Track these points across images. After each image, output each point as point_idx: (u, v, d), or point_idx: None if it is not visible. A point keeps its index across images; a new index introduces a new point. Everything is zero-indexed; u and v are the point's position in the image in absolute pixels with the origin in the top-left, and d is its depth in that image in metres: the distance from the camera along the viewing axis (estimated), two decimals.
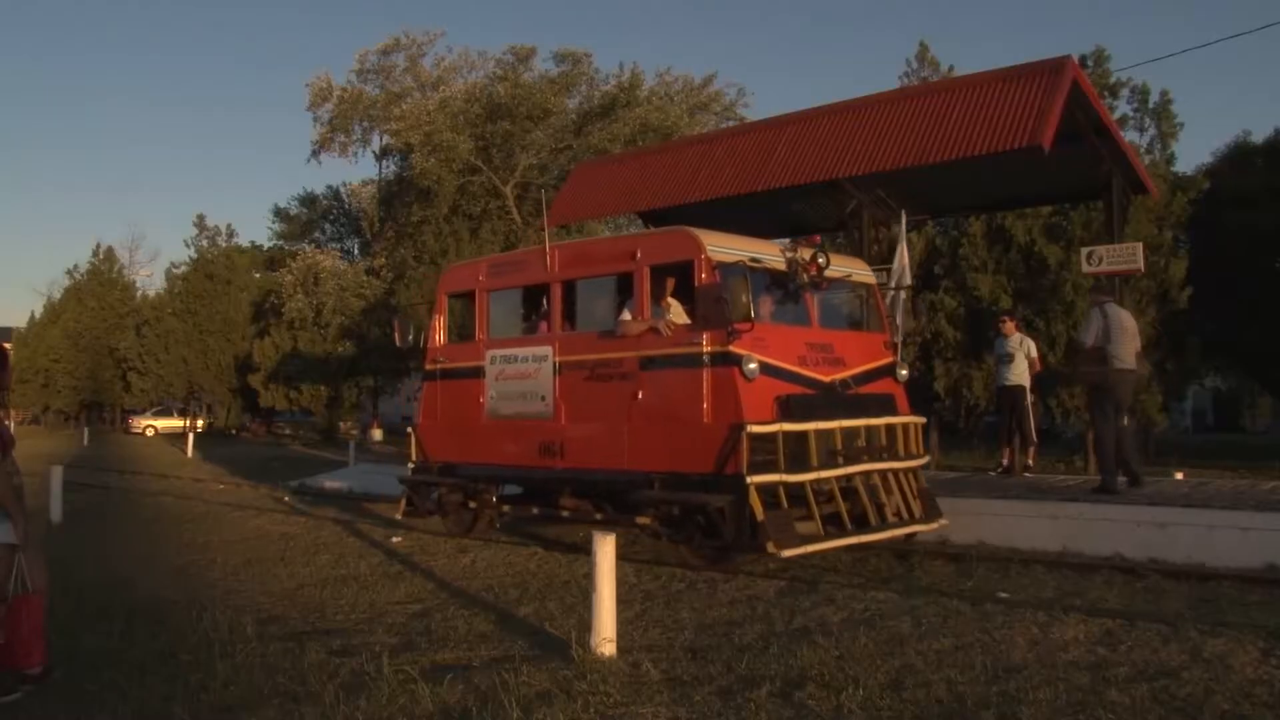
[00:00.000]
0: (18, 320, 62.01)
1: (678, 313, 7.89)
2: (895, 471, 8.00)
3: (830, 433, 7.52)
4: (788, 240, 9.62)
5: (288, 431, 45.17)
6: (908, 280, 11.17)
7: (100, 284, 49.99)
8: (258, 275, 44.51)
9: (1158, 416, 19.40)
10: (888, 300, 9.85)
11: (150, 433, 43.73)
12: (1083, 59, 21.46)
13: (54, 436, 42.50)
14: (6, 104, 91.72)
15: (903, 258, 11.20)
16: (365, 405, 39.18)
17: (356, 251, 46.28)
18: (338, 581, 7.36)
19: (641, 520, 7.76)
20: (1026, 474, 11.53)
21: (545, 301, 8.93)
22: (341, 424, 39.01)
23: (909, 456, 8.24)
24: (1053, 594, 6.36)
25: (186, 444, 29.22)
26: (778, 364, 7.47)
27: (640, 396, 7.67)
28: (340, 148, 39.95)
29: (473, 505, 9.41)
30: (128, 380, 43.73)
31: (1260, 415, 42.76)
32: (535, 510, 9.08)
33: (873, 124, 13.21)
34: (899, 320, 9.63)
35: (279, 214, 48.67)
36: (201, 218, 47.33)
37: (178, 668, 4.79)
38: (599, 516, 8.26)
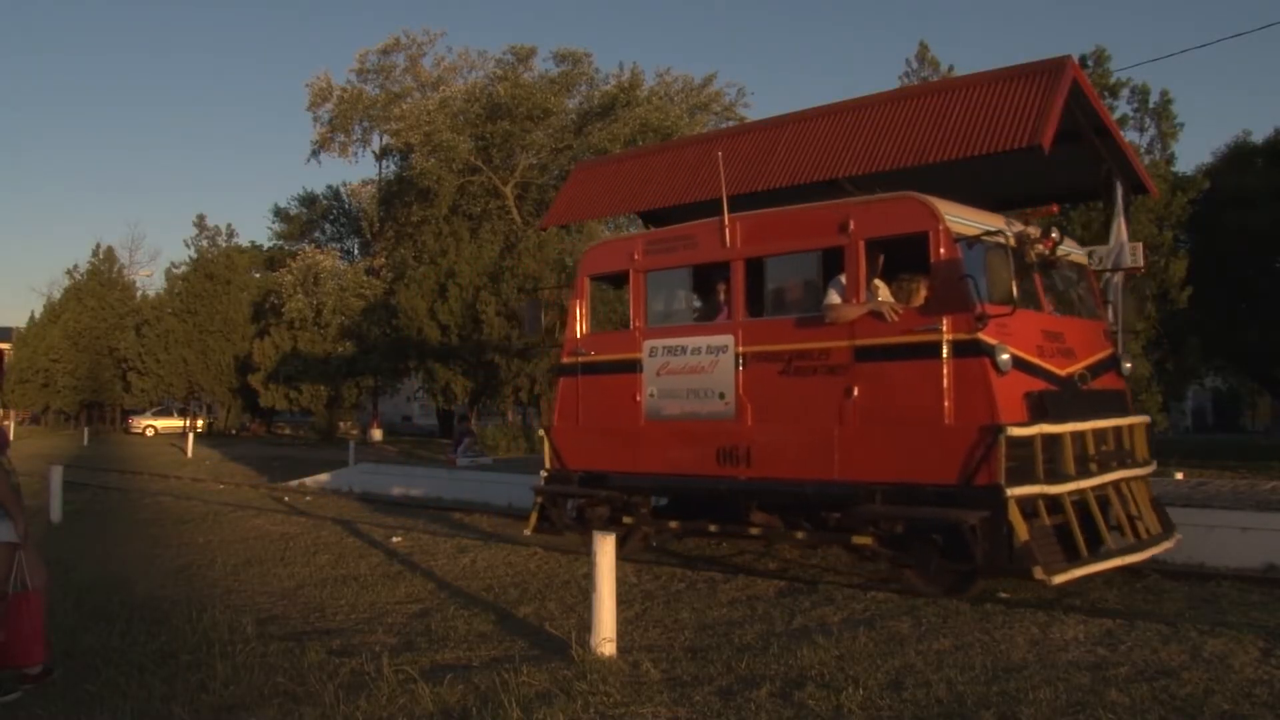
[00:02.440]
0: (18, 320, 62.05)
1: (884, 295, 6.86)
2: (1132, 480, 7.06)
3: (1082, 435, 6.56)
4: (1014, 212, 8.47)
5: (287, 431, 45.18)
6: (1128, 261, 9.99)
7: (100, 284, 49.94)
8: (258, 275, 44.52)
9: (1158, 416, 19.38)
10: (1101, 284, 8.83)
11: (150, 433, 43.72)
12: (1083, 59, 21.46)
13: (54, 436, 42.50)
14: (6, 104, 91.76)
15: (1121, 234, 10.01)
16: (365, 405, 39.19)
17: (356, 251, 46.33)
18: (338, 581, 7.35)
19: (859, 540, 6.60)
20: None
21: (723, 283, 7.73)
22: (341, 424, 39.01)
23: (1143, 463, 7.26)
24: (1053, 594, 6.36)
25: (186, 444, 29.21)
26: (1022, 355, 6.38)
27: (856, 394, 6.54)
28: (340, 148, 40.01)
29: (626, 521, 8.08)
30: (128, 380, 43.72)
31: (1260, 415, 42.79)
32: (713, 528, 7.74)
33: (873, 124, 13.19)
34: (1119, 307, 8.61)
35: (279, 214, 48.74)
36: (201, 218, 47.36)
37: (178, 667, 4.79)
38: (799, 535, 7.18)
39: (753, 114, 36.79)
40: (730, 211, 8.03)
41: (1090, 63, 22.09)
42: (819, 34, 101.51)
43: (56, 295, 52.70)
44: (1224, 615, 5.35)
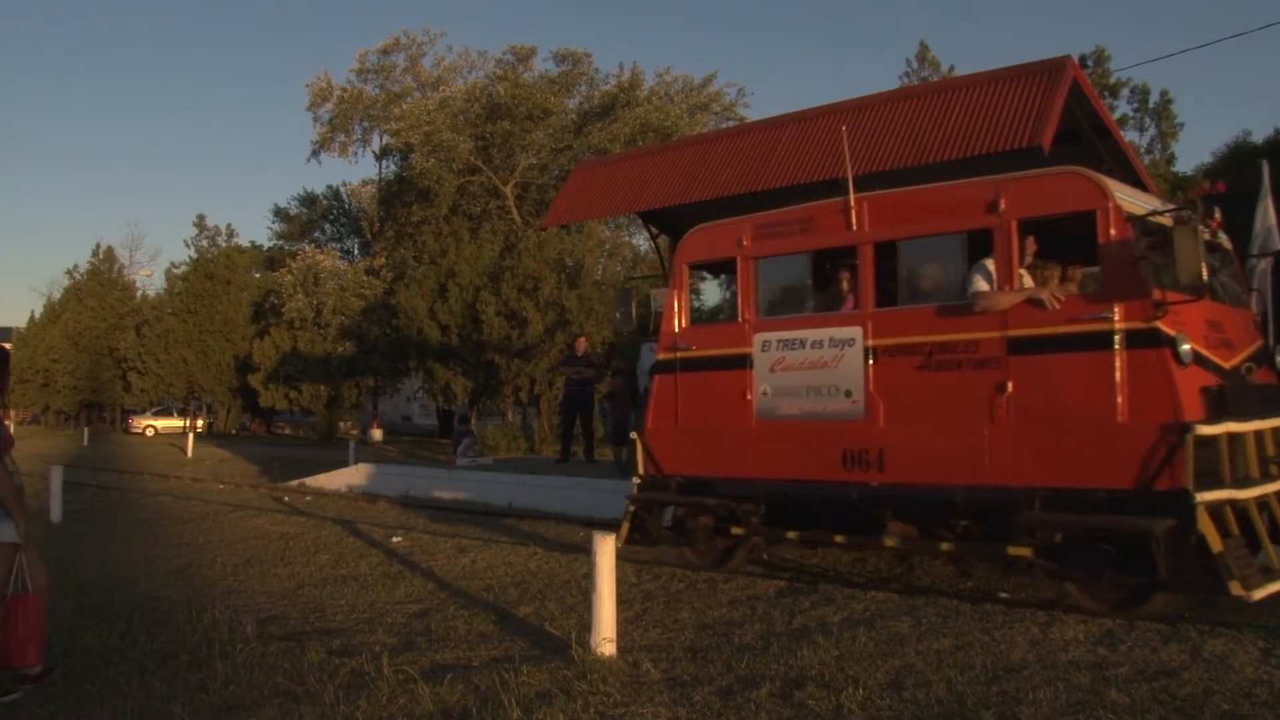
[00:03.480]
0: (18, 320, 62.06)
1: (1027, 282, 6.36)
2: None
3: (1263, 434, 6.04)
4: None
5: (287, 431, 45.18)
6: (1277, 244, 9.23)
7: (100, 284, 49.96)
8: (258, 275, 44.55)
9: None
10: (1247, 269, 8.27)
11: (150, 433, 43.74)
12: (1083, 59, 21.51)
13: (54, 436, 42.51)
14: (6, 104, 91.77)
15: (1269, 216, 9.38)
16: (365, 405, 39.20)
17: (356, 251, 46.35)
18: (338, 581, 7.36)
19: (1016, 551, 5.96)
20: None
21: (847, 269, 7.09)
22: (341, 424, 39.02)
23: None
24: (1053, 594, 6.36)
25: (186, 444, 29.22)
26: (1197, 346, 5.84)
27: (1010, 389, 6.01)
28: (340, 148, 40.05)
29: (736, 532, 7.30)
30: (128, 380, 43.74)
31: None
32: (839, 539, 6.91)
33: (873, 124, 13.22)
34: (1266, 294, 8.03)
35: (279, 214, 48.77)
36: (201, 218, 47.55)
37: (178, 667, 4.79)
38: (944, 547, 6.50)
39: (753, 114, 36.81)
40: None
41: (1090, 63, 22.11)
42: (819, 34, 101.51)
43: (56, 295, 52.81)
44: (1224, 615, 5.34)
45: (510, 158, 36.57)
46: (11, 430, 4.88)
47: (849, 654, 4.84)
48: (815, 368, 6.89)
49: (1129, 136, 22.22)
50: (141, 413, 46.08)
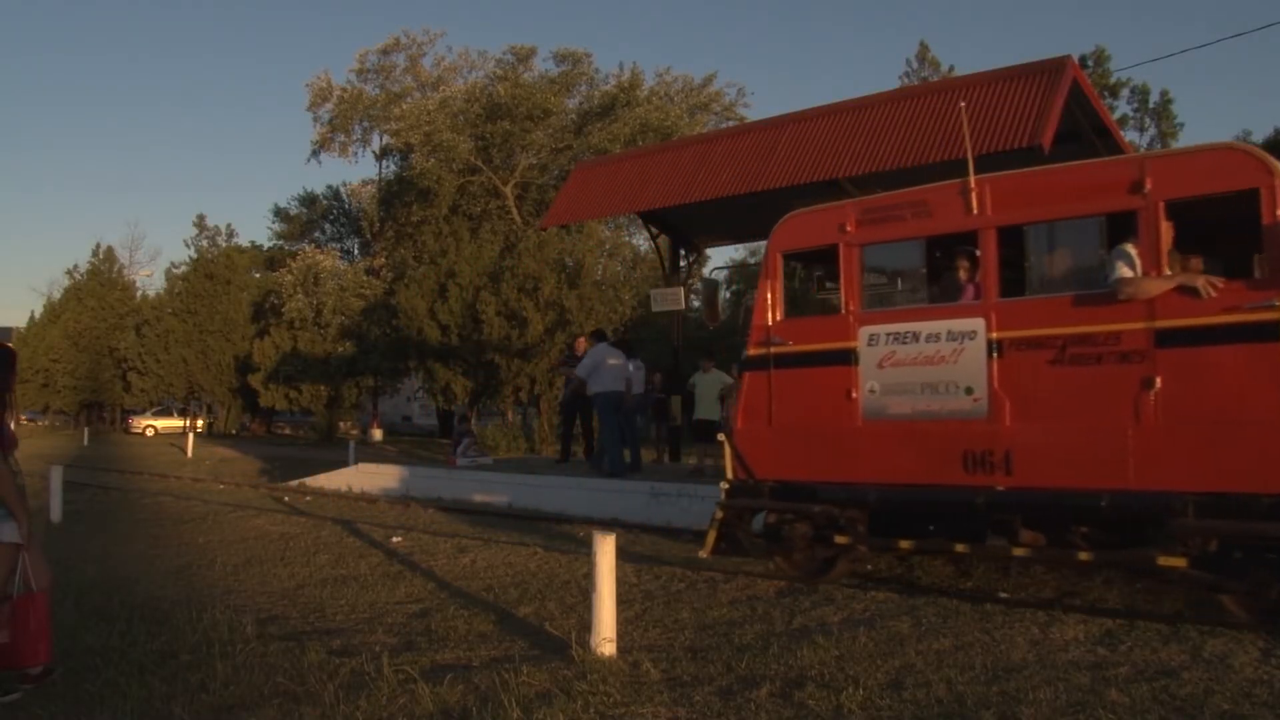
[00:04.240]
0: (18, 320, 62.07)
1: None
2: None
3: None
4: None
5: (287, 431, 45.19)
6: None
7: (100, 284, 50.00)
8: (258, 275, 44.57)
9: None
10: None
11: (150, 433, 43.76)
12: (1083, 59, 21.51)
13: (54, 436, 42.51)
14: (6, 104, 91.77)
15: None
16: (365, 405, 39.21)
17: (356, 251, 46.37)
18: (338, 581, 7.36)
19: (1168, 561, 5.49)
20: None
21: (966, 257, 6.70)
22: (341, 424, 39.02)
23: None
24: (1053, 594, 6.36)
25: (186, 444, 29.22)
26: None
27: (1159, 385, 5.57)
28: (340, 148, 40.09)
29: (840, 540, 6.71)
30: (128, 380, 43.77)
31: None
32: (960, 548, 6.38)
33: (872, 124, 13.24)
34: None
35: (279, 214, 48.80)
36: (201, 218, 47.57)
37: (178, 667, 4.79)
38: (1082, 557, 5.98)
39: (753, 114, 36.86)
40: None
41: (1090, 63, 22.11)
42: (819, 34, 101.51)
43: (56, 295, 52.86)
44: (1224, 615, 5.34)
45: (510, 158, 36.59)
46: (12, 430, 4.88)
47: (849, 654, 4.84)
48: (931, 363, 6.40)
49: (1129, 136, 22.21)
50: (141, 413, 46.12)
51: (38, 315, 52.04)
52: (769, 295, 7.17)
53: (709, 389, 13.86)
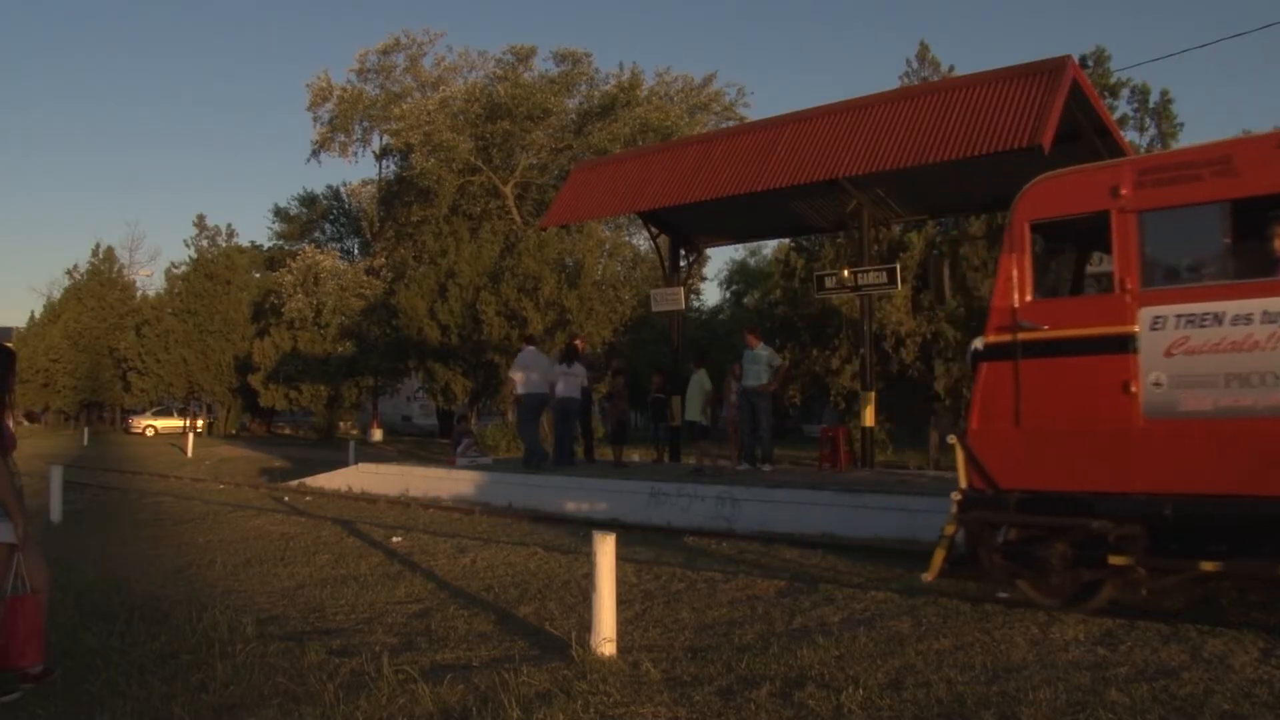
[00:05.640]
0: (18, 320, 62.07)
1: None
2: None
3: None
4: None
5: (288, 431, 45.18)
6: None
7: (100, 284, 49.95)
8: (258, 275, 44.56)
9: None
10: None
11: (150, 433, 43.75)
12: (1083, 59, 21.51)
13: (54, 436, 42.51)
14: (6, 104, 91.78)
15: None
16: (365, 405, 39.21)
17: (356, 251, 46.37)
18: (338, 581, 7.35)
19: None
20: None
21: None
22: (341, 424, 39.01)
23: None
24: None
25: (186, 444, 29.22)
26: None
27: None
28: (340, 148, 40.06)
29: (1115, 561, 5.59)
30: (128, 380, 43.75)
31: None
32: None
33: (873, 124, 13.24)
34: None
35: (279, 214, 48.80)
36: (201, 218, 47.47)
37: (178, 667, 4.79)
38: None
39: (753, 114, 36.87)
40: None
41: (1090, 63, 22.11)
42: (819, 34, 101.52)
43: (56, 295, 52.76)
44: (1224, 615, 5.34)
45: (510, 158, 36.59)
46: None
47: (849, 654, 4.84)
48: (1239, 350, 5.41)
49: (1129, 136, 22.22)
50: (141, 413, 46.09)
51: (37, 315, 52.00)
52: (1014, 273, 6.12)
53: (692, 391, 13.89)
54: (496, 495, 13.20)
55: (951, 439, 6.39)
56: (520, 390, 14.02)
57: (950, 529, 6.16)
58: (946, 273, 7.25)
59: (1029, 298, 6.08)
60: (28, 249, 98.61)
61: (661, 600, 6.37)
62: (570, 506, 11.84)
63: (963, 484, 6.22)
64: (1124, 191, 5.81)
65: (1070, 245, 6.61)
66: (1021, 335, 6.02)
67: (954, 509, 6.18)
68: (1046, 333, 5.96)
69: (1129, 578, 5.67)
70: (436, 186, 35.50)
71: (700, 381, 13.89)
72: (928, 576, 6.13)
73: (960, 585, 6.76)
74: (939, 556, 6.10)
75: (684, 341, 18.57)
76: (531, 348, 14.62)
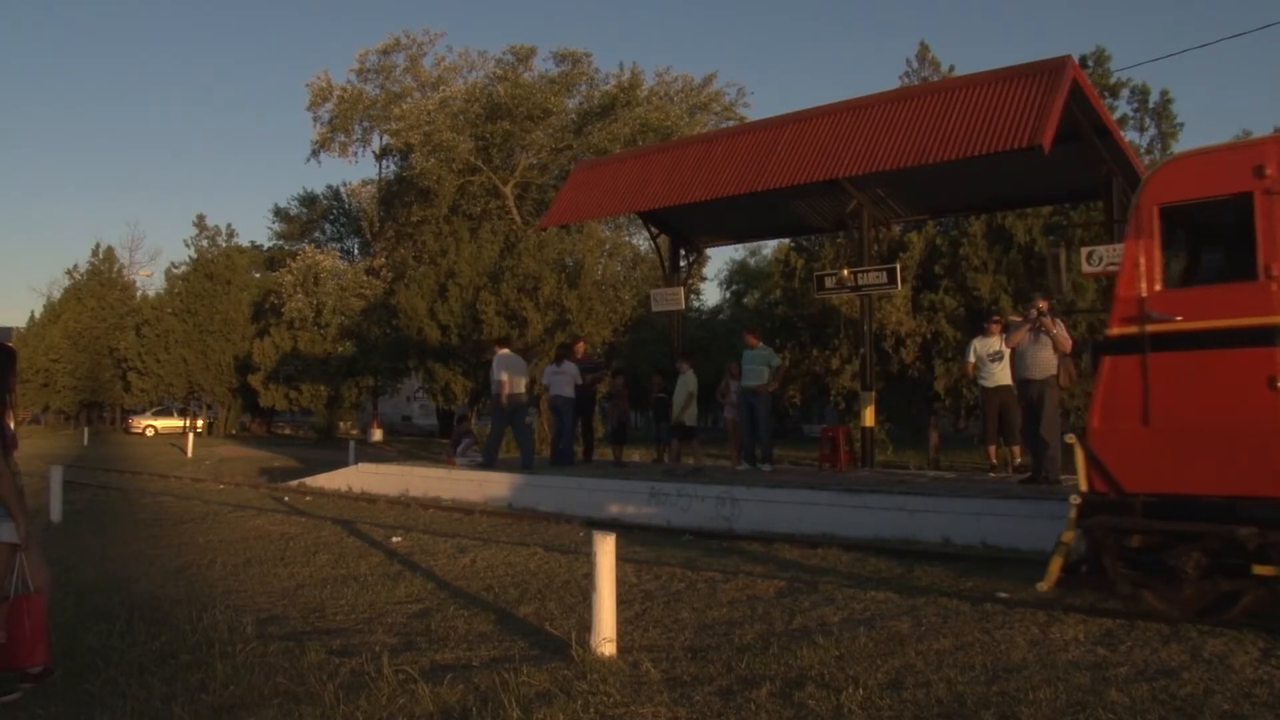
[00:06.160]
0: (17, 320, 62.07)
1: None
2: None
3: None
4: None
5: (288, 431, 45.17)
6: None
7: (100, 284, 49.92)
8: (258, 275, 44.55)
9: None
10: None
11: (150, 433, 43.74)
12: (1083, 59, 21.51)
13: (54, 436, 42.50)
14: (6, 104, 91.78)
15: None
16: (365, 405, 39.20)
17: (356, 251, 46.37)
18: (338, 581, 7.35)
19: None
20: (1016, 472, 11.62)
21: None
22: (341, 424, 39.00)
23: None
24: (1053, 594, 6.36)
25: (186, 444, 29.21)
26: None
27: None
28: (340, 148, 40.05)
29: (1261, 571, 5.15)
30: (128, 380, 43.73)
31: None
32: None
33: (873, 124, 13.24)
34: None
35: (279, 214, 48.78)
36: (201, 218, 47.39)
37: (178, 667, 4.79)
38: None
39: (753, 114, 36.90)
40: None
41: (1090, 63, 22.10)
42: (819, 34, 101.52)
43: (56, 295, 52.74)
44: (1224, 615, 5.34)
45: (510, 158, 36.60)
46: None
47: (849, 654, 4.84)
48: None
49: (1129, 136, 22.22)
50: (141, 413, 46.08)
51: (38, 315, 51.98)
52: (1142, 260, 5.68)
53: (679, 392, 13.88)
54: (496, 495, 13.20)
55: (1070, 438, 5.96)
56: (510, 391, 14.18)
57: (1068, 535, 5.73)
58: (1063, 263, 6.94)
59: (1158, 287, 5.65)
60: (28, 249, 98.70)
61: (661, 600, 6.37)
62: (570, 506, 11.84)
63: (1083, 487, 5.80)
64: (1270, 171, 5.41)
65: (1191, 231, 6.15)
66: (1150, 327, 5.60)
67: (1073, 514, 5.76)
68: (1179, 324, 5.53)
69: (1276, 588, 5.24)
70: (436, 186, 35.50)
71: (686, 382, 13.91)
72: (1043, 586, 5.73)
73: (959, 585, 6.77)
74: (1056, 564, 5.70)
75: (684, 341, 18.57)
76: (505, 350, 14.75)
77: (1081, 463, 5.78)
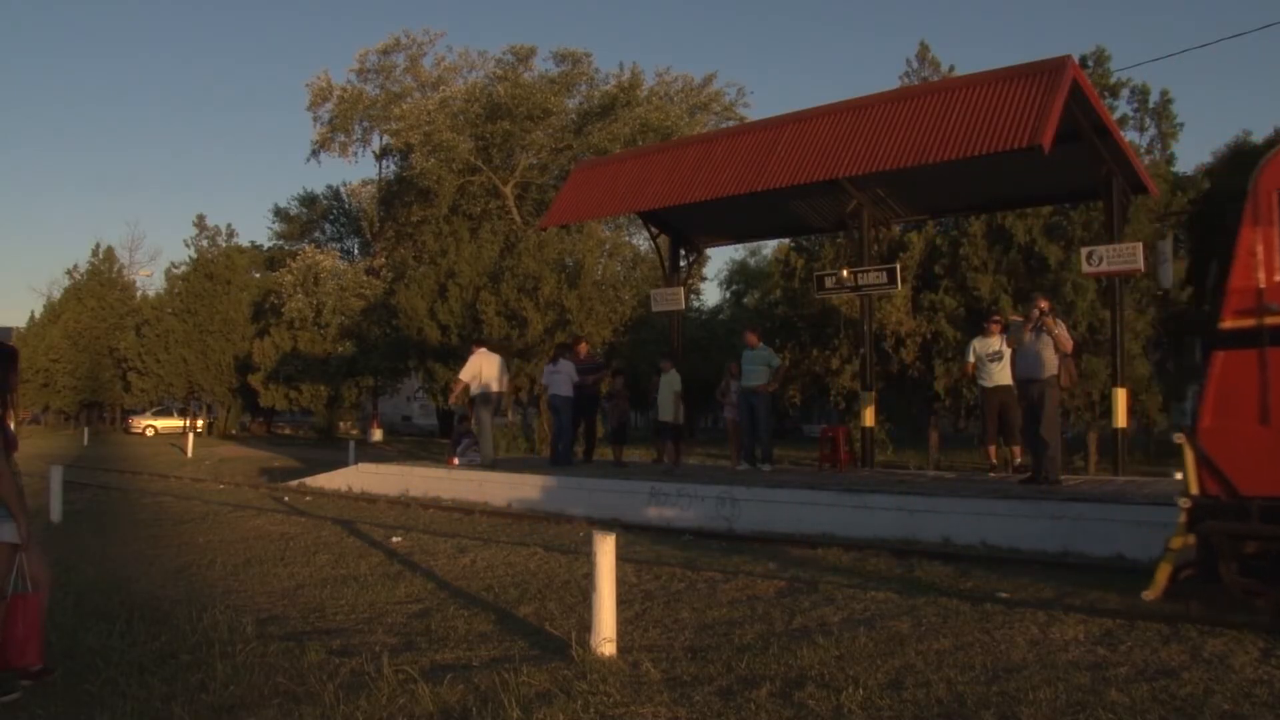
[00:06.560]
0: (17, 320, 62.07)
1: None
2: None
3: None
4: None
5: (288, 431, 45.17)
6: None
7: (100, 284, 49.90)
8: (258, 275, 44.55)
9: (1158, 416, 19.39)
10: None
11: (150, 433, 43.73)
12: (1083, 59, 21.50)
13: (54, 436, 42.50)
14: (6, 104, 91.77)
15: None
16: (365, 405, 39.19)
17: (356, 251, 46.39)
18: (338, 581, 7.35)
19: None
20: (1016, 472, 11.63)
21: None
22: (341, 424, 39.00)
23: None
24: (1053, 594, 6.36)
25: (186, 444, 29.20)
26: None
27: None
28: (340, 148, 40.08)
29: None
30: (128, 380, 43.73)
31: None
32: None
33: (873, 124, 13.23)
34: None
35: (279, 214, 48.79)
36: (201, 218, 47.33)
37: (178, 667, 4.79)
38: None
39: (753, 114, 36.92)
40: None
41: (1090, 63, 22.09)
42: (819, 34, 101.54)
43: (56, 295, 52.72)
44: (1224, 615, 5.34)
45: (510, 158, 36.61)
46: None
47: (849, 654, 4.84)
48: None
49: (1129, 136, 22.21)
50: (141, 413, 46.07)
51: (38, 315, 51.97)
52: (1260, 248, 5.26)
53: (665, 390, 13.90)
54: (496, 495, 13.20)
55: (1178, 438, 5.57)
56: (496, 389, 14.42)
57: (1177, 542, 5.34)
58: (1170, 255, 6.04)
59: (1278, 277, 5.21)
60: (28, 249, 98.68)
61: (661, 600, 6.37)
62: (570, 506, 11.84)
63: (1192, 489, 5.37)
64: None
65: None
66: (1270, 320, 5.20)
67: (1183, 518, 5.36)
68: None
69: None
70: (436, 186, 35.51)
71: (670, 382, 13.93)
72: (1150, 595, 5.36)
73: (959, 585, 6.77)
74: (1164, 572, 5.35)
75: (684, 341, 18.57)
76: (483, 349, 14.90)
77: (1191, 464, 5.40)
